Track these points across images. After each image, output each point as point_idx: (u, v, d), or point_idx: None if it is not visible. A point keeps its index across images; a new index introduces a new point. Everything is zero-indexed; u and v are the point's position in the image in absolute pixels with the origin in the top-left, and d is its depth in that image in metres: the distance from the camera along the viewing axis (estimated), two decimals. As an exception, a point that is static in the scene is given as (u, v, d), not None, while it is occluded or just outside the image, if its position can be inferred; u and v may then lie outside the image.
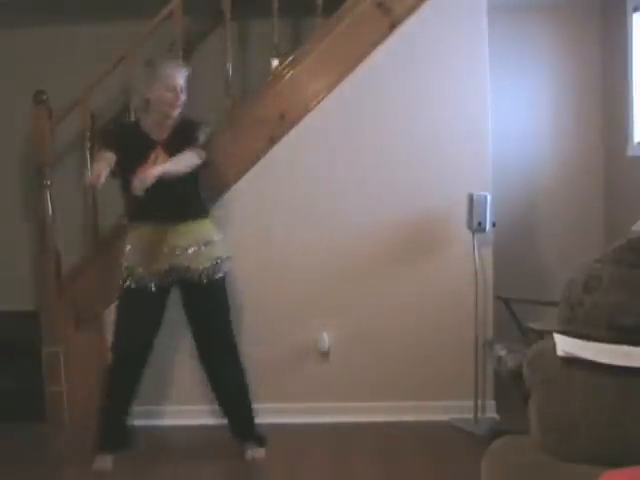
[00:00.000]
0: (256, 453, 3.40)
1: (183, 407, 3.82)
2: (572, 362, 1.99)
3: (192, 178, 3.27)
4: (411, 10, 3.64)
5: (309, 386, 3.74)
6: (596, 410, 1.95)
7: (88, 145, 3.88)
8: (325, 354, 3.79)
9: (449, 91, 3.69)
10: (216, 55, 3.86)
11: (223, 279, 3.36)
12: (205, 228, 3.35)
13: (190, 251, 3.27)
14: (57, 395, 3.85)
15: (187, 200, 3.31)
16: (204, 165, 3.32)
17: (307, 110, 3.71)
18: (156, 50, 4.14)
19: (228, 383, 3.44)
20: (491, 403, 3.79)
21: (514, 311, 3.73)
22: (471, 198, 3.57)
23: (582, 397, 1.97)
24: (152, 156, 3.22)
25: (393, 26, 3.66)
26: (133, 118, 3.73)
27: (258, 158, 3.73)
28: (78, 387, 3.85)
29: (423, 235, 3.74)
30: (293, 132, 3.71)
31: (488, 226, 3.59)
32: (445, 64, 3.68)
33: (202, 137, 3.33)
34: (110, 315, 3.81)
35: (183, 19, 3.75)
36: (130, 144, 3.26)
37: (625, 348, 1.99)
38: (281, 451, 3.44)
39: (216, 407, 3.53)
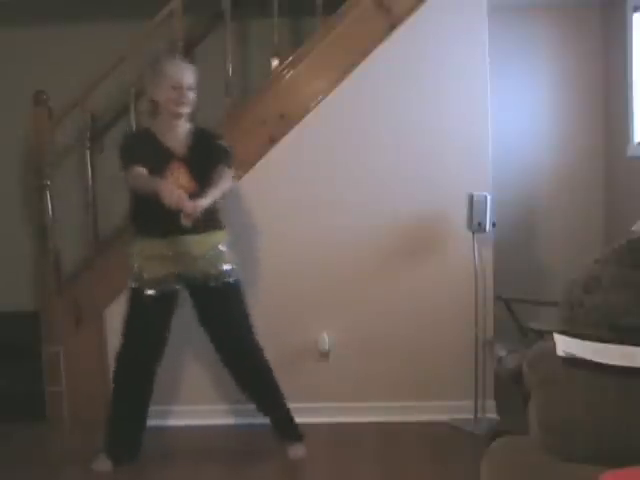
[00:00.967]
0: (298, 451, 3.36)
1: (191, 407, 3.82)
2: (572, 362, 1.99)
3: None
4: (411, 10, 3.64)
5: (309, 386, 3.74)
6: (596, 410, 1.95)
7: (88, 145, 3.89)
8: (325, 354, 3.79)
9: (449, 91, 3.69)
10: (216, 55, 3.86)
11: (236, 284, 3.30)
12: (217, 237, 3.27)
13: (201, 258, 3.21)
14: (57, 395, 3.86)
15: (203, 214, 3.14)
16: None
17: (307, 110, 3.71)
18: (156, 50, 4.16)
19: (256, 385, 3.40)
20: (491, 403, 3.79)
21: (514, 311, 3.73)
22: (471, 198, 3.57)
23: (582, 397, 1.97)
24: (171, 172, 3.14)
25: (393, 26, 3.66)
26: (135, 123, 3.74)
27: (258, 158, 3.73)
28: (78, 387, 3.85)
29: (423, 235, 3.74)
30: (293, 132, 3.71)
31: (488, 226, 3.59)
32: (445, 64, 3.68)
33: (230, 152, 3.25)
34: (110, 315, 3.83)
35: (183, 19, 3.75)
36: (150, 156, 3.15)
37: (625, 348, 1.99)
38: (281, 451, 3.44)
39: (225, 407, 3.56)
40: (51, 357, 3.84)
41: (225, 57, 3.75)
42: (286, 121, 3.70)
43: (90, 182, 3.90)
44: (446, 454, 3.40)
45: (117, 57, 3.74)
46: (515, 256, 4.28)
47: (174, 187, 2.98)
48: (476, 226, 3.58)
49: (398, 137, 3.72)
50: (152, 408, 3.52)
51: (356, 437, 3.62)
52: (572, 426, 1.97)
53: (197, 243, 3.21)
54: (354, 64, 3.67)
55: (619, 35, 4.06)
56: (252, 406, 3.46)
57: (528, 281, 4.29)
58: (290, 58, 3.73)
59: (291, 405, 3.58)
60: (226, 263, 3.27)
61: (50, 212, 3.84)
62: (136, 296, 3.28)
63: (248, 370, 3.40)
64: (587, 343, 2.04)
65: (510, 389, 3.21)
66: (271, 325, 3.73)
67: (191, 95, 3.22)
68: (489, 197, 3.58)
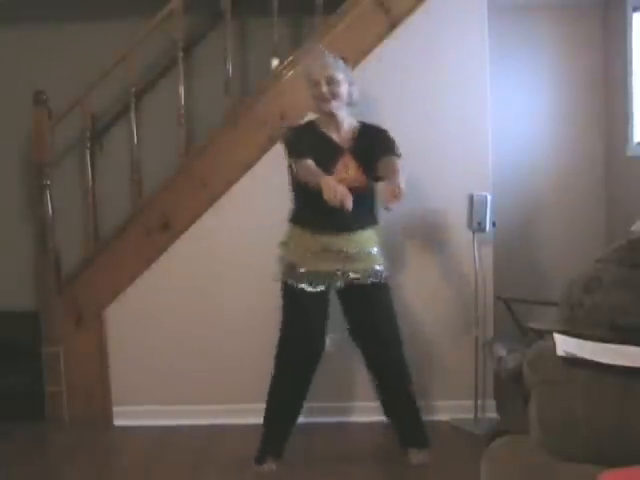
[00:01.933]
0: (423, 457, 3.30)
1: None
2: (572, 362, 1.98)
3: (372, 187, 3.15)
4: (411, 10, 3.64)
5: (311, 386, 3.74)
6: (596, 410, 1.95)
7: (88, 145, 3.89)
8: (325, 354, 3.79)
9: (449, 91, 3.69)
10: (216, 55, 3.86)
11: (386, 284, 3.25)
12: (372, 233, 3.22)
13: (354, 257, 3.15)
14: (57, 395, 3.86)
15: (362, 210, 3.09)
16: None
17: (307, 110, 3.70)
18: (156, 50, 4.16)
19: (394, 389, 3.35)
20: (491, 403, 3.79)
21: (514, 311, 3.72)
22: (471, 198, 3.57)
23: (582, 397, 1.97)
24: (341, 164, 3.09)
25: (393, 26, 3.66)
26: (135, 123, 3.76)
27: (258, 158, 3.73)
28: (78, 387, 3.85)
29: (423, 235, 3.74)
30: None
31: (488, 226, 3.59)
32: (445, 64, 3.68)
33: (396, 143, 3.17)
34: (110, 315, 3.83)
35: (183, 19, 3.75)
36: (317, 148, 3.08)
37: (625, 348, 1.99)
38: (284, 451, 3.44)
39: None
40: (51, 357, 3.84)
41: (225, 57, 3.75)
42: (286, 121, 3.69)
43: (90, 182, 3.90)
44: (446, 454, 3.40)
45: (117, 57, 3.74)
46: (515, 256, 4.28)
47: (337, 184, 2.85)
48: (476, 226, 3.58)
49: (398, 137, 3.71)
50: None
51: (356, 437, 3.62)
52: (572, 426, 1.97)
53: (351, 240, 3.15)
54: (354, 64, 3.66)
55: (619, 35, 4.06)
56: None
57: (528, 281, 4.28)
58: (290, 58, 3.73)
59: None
60: (378, 263, 3.22)
61: (50, 212, 3.84)
62: (291, 291, 3.21)
63: (389, 371, 3.33)
64: (587, 343, 2.04)
65: (510, 389, 3.21)
66: (271, 324, 3.73)
67: (333, 89, 3.08)
68: (489, 197, 3.58)
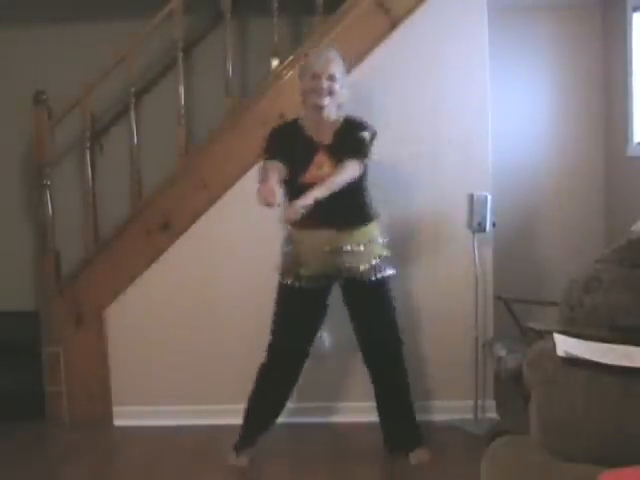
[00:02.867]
0: (421, 455, 3.32)
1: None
2: (572, 362, 1.99)
3: (356, 184, 3.15)
4: (411, 10, 3.64)
5: (309, 386, 3.74)
6: (596, 410, 1.95)
7: (88, 145, 3.89)
8: (325, 354, 3.79)
9: (449, 91, 3.69)
10: (216, 55, 3.86)
11: (386, 279, 3.27)
12: (368, 230, 3.23)
13: (351, 251, 3.17)
14: (57, 395, 3.86)
15: (351, 208, 3.16)
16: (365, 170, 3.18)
17: (307, 110, 3.70)
18: (156, 50, 4.16)
19: (389, 384, 3.38)
20: (491, 403, 3.79)
21: (514, 311, 3.72)
22: (471, 198, 3.57)
23: (582, 397, 1.97)
24: (315, 161, 3.11)
25: (393, 26, 3.66)
26: (135, 123, 3.76)
27: (258, 158, 3.72)
28: (78, 387, 3.85)
29: (423, 235, 3.74)
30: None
31: (488, 226, 3.59)
32: (445, 64, 3.68)
33: (366, 144, 3.16)
34: (110, 315, 3.83)
35: (183, 19, 3.75)
36: (294, 148, 3.14)
37: (626, 348, 2.00)
38: (281, 451, 3.44)
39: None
40: (51, 357, 3.84)
41: (225, 57, 3.75)
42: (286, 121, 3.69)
43: (90, 182, 3.90)
44: (446, 454, 3.40)
45: (117, 57, 3.74)
46: (515, 256, 4.28)
47: (267, 188, 2.87)
48: (476, 226, 3.58)
49: (397, 137, 3.71)
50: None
51: (356, 437, 3.62)
52: (572, 426, 1.97)
53: (347, 237, 3.17)
54: (354, 64, 3.66)
55: (619, 35, 4.06)
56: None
57: (528, 281, 4.28)
58: (290, 58, 3.73)
59: (291, 405, 3.58)
60: (374, 258, 3.22)
61: (50, 212, 3.84)
62: (286, 290, 3.25)
63: (385, 369, 3.36)
64: (587, 343, 2.04)
65: (510, 389, 3.21)
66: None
67: (332, 85, 3.12)
68: (489, 197, 3.58)
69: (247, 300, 3.76)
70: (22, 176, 4.50)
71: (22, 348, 4.10)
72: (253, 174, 3.72)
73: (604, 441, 1.94)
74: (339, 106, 3.21)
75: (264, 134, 3.26)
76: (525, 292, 3.89)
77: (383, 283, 3.26)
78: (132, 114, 3.83)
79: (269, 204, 2.86)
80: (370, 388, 3.75)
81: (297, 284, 3.22)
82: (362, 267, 3.20)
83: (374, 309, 3.28)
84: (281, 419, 3.57)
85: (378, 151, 3.70)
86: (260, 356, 3.70)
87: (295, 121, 3.26)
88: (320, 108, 3.15)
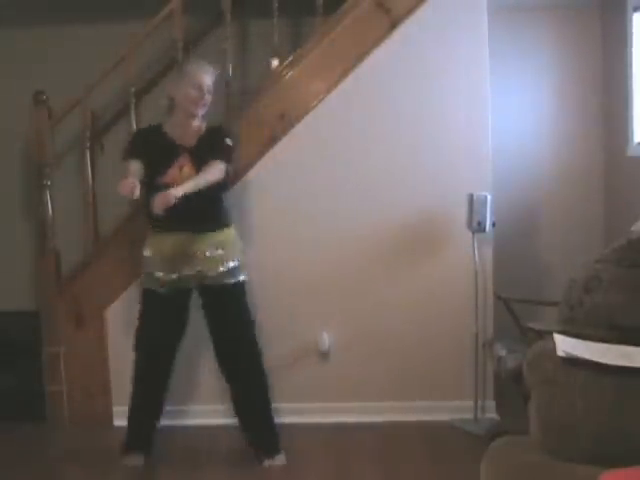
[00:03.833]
0: (276, 461, 3.34)
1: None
2: (572, 362, 1.99)
3: (216, 188, 3.22)
4: (411, 10, 3.64)
5: (309, 386, 3.74)
6: (596, 410, 1.95)
7: (88, 145, 3.89)
8: (325, 354, 3.79)
9: (449, 91, 3.69)
10: (216, 55, 3.86)
11: (241, 283, 3.34)
12: (224, 235, 3.31)
13: (207, 256, 3.25)
14: (57, 395, 3.86)
15: (209, 211, 3.27)
16: (227, 175, 3.31)
17: (307, 110, 3.71)
18: (156, 50, 4.16)
19: (246, 390, 3.40)
20: (491, 403, 3.79)
21: (514, 311, 3.72)
22: (471, 198, 3.57)
23: (582, 397, 1.97)
24: (177, 164, 3.20)
25: (393, 26, 3.66)
26: (135, 123, 3.76)
27: (258, 158, 3.73)
28: (78, 387, 3.85)
29: (423, 235, 3.74)
30: (293, 132, 3.71)
31: (488, 226, 3.59)
32: (445, 64, 3.68)
33: (231, 149, 3.29)
34: (110, 315, 3.83)
35: (183, 19, 3.75)
36: (155, 150, 3.24)
37: (625, 348, 2.00)
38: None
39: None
40: (51, 357, 3.84)
41: (225, 57, 3.75)
42: (286, 121, 3.70)
43: (90, 182, 3.90)
44: (446, 454, 3.40)
45: (117, 57, 3.74)
46: (515, 256, 4.28)
47: (126, 182, 3.00)
48: (476, 226, 3.58)
49: (398, 137, 3.72)
50: (172, 408, 3.59)
51: (356, 437, 3.62)
52: (572, 426, 1.97)
53: (203, 241, 3.25)
54: (354, 64, 3.67)
55: (619, 35, 4.06)
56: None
57: (528, 281, 4.28)
58: (290, 58, 3.73)
59: (291, 405, 3.58)
60: (231, 261, 3.29)
61: (50, 212, 3.84)
62: (148, 296, 3.33)
63: (242, 371, 3.38)
64: (587, 343, 2.04)
65: (510, 389, 3.22)
66: (271, 325, 3.73)
67: (208, 97, 3.26)
68: (489, 197, 3.58)
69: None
70: (22, 176, 4.49)
71: (22, 348, 4.09)
72: (253, 174, 3.74)
73: (604, 441, 1.94)
74: (205, 116, 3.33)
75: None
76: (525, 292, 3.89)
77: (238, 287, 3.32)
78: (132, 114, 3.83)
79: (128, 195, 2.98)
80: (371, 388, 3.76)
81: (157, 288, 3.28)
82: (216, 271, 3.26)
83: (229, 313, 3.34)
84: (283, 420, 3.57)
85: (378, 151, 3.72)
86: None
87: (158, 126, 3.34)
88: (193, 117, 3.27)
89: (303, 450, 3.47)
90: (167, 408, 3.55)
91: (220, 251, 3.27)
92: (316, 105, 3.70)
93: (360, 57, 3.67)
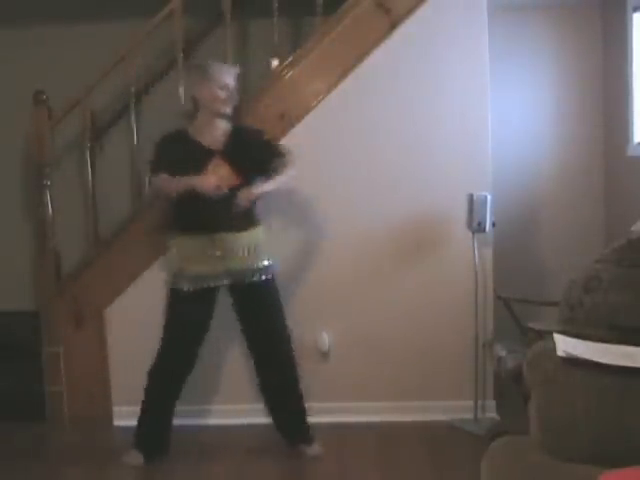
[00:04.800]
0: (313, 450, 3.41)
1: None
2: (572, 362, 1.99)
3: (245, 187, 3.25)
4: (411, 10, 3.64)
5: (309, 386, 3.74)
6: (596, 410, 1.95)
7: (88, 145, 3.89)
8: (325, 354, 3.79)
9: (449, 91, 3.69)
10: (216, 55, 3.85)
11: (272, 280, 3.38)
12: (256, 234, 3.34)
13: (241, 255, 3.28)
14: (57, 395, 3.86)
15: (241, 212, 3.26)
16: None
17: (307, 110, 3.71)
18: (156, 50, 4.16)
19: (283, 382, 3.44)
20: (491, 403, 3.79)
21: (514, 311, 3.72)
22: (471, 198, 3.57)
23: (582, 397, 1.97)
24: (211, 166, 3.22)
25: (393, 26, 3.66)
26: (135, 123, 3.78)
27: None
28: (78, 387, 3.85)
29: (423, 235, 3.74)
30: (293, 132, 3.71)
31: (488, 226, 3.59)
32: (445, 64, 3.68)
33: (286, 154, 3.35)
34: (110, 315, 3.83)
35: (183, 19, 3.75)
36: (184, 155, 3.25)
37: (625, 348, 2.00)
38: (281, 451, 3.44)
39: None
40: (51, 357, 3.84)
41: (225, 57, 3.75)
42: (286, 121, 3.70)
43: (90, 182, 3.90)
44: (446, 454, 3.40)
45: (117, 57, 3.74)
46: (515, 256, 4.28)
47: (209, 176, 3.14)
48: (476, 226, 3.58)
49: (398, 137, 3.72)
50: (190, 407, 3.60)
51: (356, 437, 3.62)
52: (572, 426, 1.97)
53: (237, 241, 3.27)
54: (354, 64, 3.67)
55: (619, 35, 4.06)
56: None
57: (528, 281, 4.28)
58: (290, 58, 3.73)
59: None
60: (264, 260, 3.34)
61: (50, 212, 3.84)
62: (175, 295, 3.34)
63: (274, 367, 3.42)
64: (587, 343, 2.04)
65: (510, 389, 3.22)
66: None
67: (233, 96, 3.31)
68: (489, 197, 3.58)
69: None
70: (22, 176, 4.49)
71: (22, 348, 4.09)
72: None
73: (604, 441, 1.94)
74: (230, 116, 3.36)
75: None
76: (525, 292, 3.89)
77: (271, 284, 3.37)
78: (132, 114, 3.83)
79: (216, 191, 3.10)
80: (371, 388, 3.75)
81: (186, 287, 3.29)
82: (251, 270, 3.30)
83: (264, 310, 3.38)
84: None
85: (378, 151, 3.72)
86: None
87: (183, 131, 3.36)
88: (222, 115, 3.29)
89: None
90: (186, 407, 3.56)
91: (253, 250, 3.31)
92: (316, 105, 3.70)
93: (360, 57, 3.66)
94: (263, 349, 3.43)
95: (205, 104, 3.29)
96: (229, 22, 3.75)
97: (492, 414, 3.78)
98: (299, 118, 3.71)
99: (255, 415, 3.69)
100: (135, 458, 3.37)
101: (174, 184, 3.18)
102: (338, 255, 3.75)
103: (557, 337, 2.07)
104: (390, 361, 3.78)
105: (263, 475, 3.28)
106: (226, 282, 3.33)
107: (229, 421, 3.78)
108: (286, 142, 3.70)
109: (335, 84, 3.69)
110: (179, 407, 3.46)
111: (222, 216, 3.20)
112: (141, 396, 3.49)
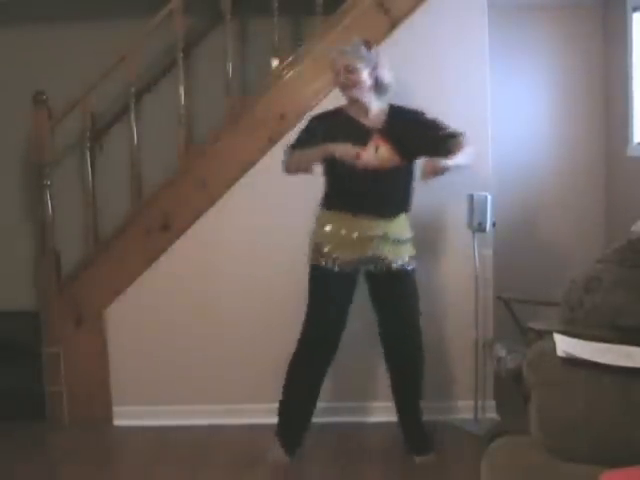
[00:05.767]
0: (426, 459, 3.34)
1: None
2: (572, 362, 1.98)
3: (410, 171, 3.22)
4: (411, 10, 3.64)
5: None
6: (596, 410, 1.95)
7: (88, 145, 3.89)
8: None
9: (449, 91, 3.69)
10: (216, 55, 3.86)
11: (414, 271, 3.31)
12: (404, 221, 3.27)
13: (393, 241, 3.21)
14: (57, 395, 3.85)
15: (399, 195, 3.22)
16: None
17: (307, 110, 3.70)
18: (156, 50, 4.16)
19: (409, 377, 3.40)
20: (491, 403, 3.79)
21: (514, 311, 3.72)
22: (471, 198, 3.57)
23: (582, 397, 1.97)
24: (371, 145, 3.12)
25: (393, 26, 3.66)
26: (135, 123, 3.78)
27: (258, 158, 3.73)
28: (78, 387, 3.85)
29: (423, 235, 3.73)
30: (293, 132, 3.71)
31: (488, 226, 3.59)
32: (445, 64, 3.68)
33: (459, 137, 3.20)
34: (110, 315, 3.83)
35: (183, 19, 3.75)
36: (341, 132, 3.13)
37: (626, 348, 1.99)
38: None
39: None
40: (51, 357, 3.84)
41: (225, 57, 3.75)
42: (286, 121, 3.69)
43: (90, 182, 3.90)
44: (446, 454, 3.40)
45: (117, 57, 3.74)
46: (515, 256, 4.28)
47: (347, 145, 3.02)
48: (476, 226, 3.58)
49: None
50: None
51: (356, 437, 3.62)
52: (572, 426, 1.97)
53: (384, 226, 3.20)
54: (354, 64, 3.66)
55: (619, 35, 4.06)
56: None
57: (528, 281, 4.28)
58: (290, 58, 3.73)
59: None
60: (411, 249, 3.29)
61: (50, 212, 3.84)
62: (320, 273, 3.24)
63: (406, 360, 3.38)
64: (587, 343, 2.04)
65: (510, 389, 3.21)
66: (271, 324, 3.73)
67: (353, 77, 3.14)
68: (489, 197, 3.57)
69: (247, 300, 3.77)
70: (22, 176, 4.50)
71: (22, 348, 4.10)
72: (253, 174, 3.74)
73: (604, 441, 1.94)
74: (380, 89, 3.21)
75: (304, 125, 3.29)
76: (525, 292, 3.89)
77: (412, 275, 3.30)
78: (132, 114, 3.83)
79: (358, 159, 3.00)
80: (371, 388, 3.75)
81: (332, 267, 3.20)
82: (400, 257, 3.24)
83: (404, 299, 3.31)
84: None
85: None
86: (261, 356, 3.72)
87: (340, 108, 3.26)
88: (354, 100, 3.19)
89: (303, 450, 3.46)
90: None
91: (403, 237, 3.25)
92: (316, 105, 3.70)
93: (360, 57, 3.66)
94: (396, 339, 3.35)
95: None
96: (229, 22, 3.75)
97: (492, 414, 3.78)
98: (299, 118, 3.70)
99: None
100: (280, 456, 3.31)
101: (312, 154, 3.08)
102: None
103: (557, 337, 2.07)
104: (390, 361, 3.77)
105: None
106: (370, 268, 3.25)
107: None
108: (286, 142, 3.71)
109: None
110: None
111: (380, 200, 3.13)
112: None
